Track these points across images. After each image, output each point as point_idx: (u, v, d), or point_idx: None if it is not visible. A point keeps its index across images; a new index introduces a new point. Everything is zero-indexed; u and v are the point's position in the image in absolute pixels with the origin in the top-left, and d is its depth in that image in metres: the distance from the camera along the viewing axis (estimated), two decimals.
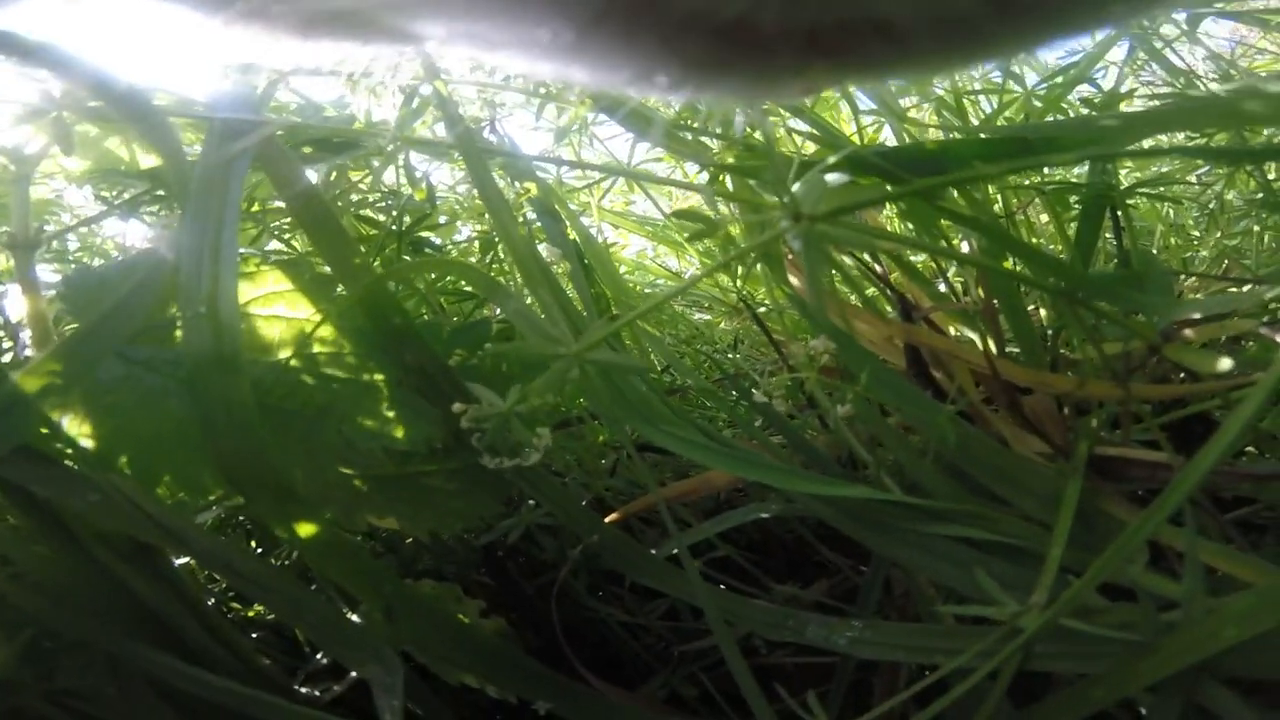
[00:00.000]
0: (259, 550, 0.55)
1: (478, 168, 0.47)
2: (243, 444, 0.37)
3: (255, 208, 0.50)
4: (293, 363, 0.43)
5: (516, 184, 0.53)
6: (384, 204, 0.51)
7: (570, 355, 0.33)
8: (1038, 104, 0.55)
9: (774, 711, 0.44)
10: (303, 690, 0.55)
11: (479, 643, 0.47)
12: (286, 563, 0.57)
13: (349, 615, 0.48)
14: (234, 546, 0.46)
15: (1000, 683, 0.37)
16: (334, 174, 0.50)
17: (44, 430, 0.38)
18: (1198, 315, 0.44)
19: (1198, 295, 0.61)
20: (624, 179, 0.64)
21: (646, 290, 0.74)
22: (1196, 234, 0.71)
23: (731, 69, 0.13)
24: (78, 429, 0.39)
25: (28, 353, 0.51)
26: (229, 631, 0.47)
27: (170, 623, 0.43)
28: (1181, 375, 0.48)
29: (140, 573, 0.43)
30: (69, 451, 0.39)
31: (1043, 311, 0.57)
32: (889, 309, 0.52)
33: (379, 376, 0.44)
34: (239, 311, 0.40)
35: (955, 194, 0.51)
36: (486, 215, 0.53)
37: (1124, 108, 0.56)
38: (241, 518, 0.57)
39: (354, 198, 0.51)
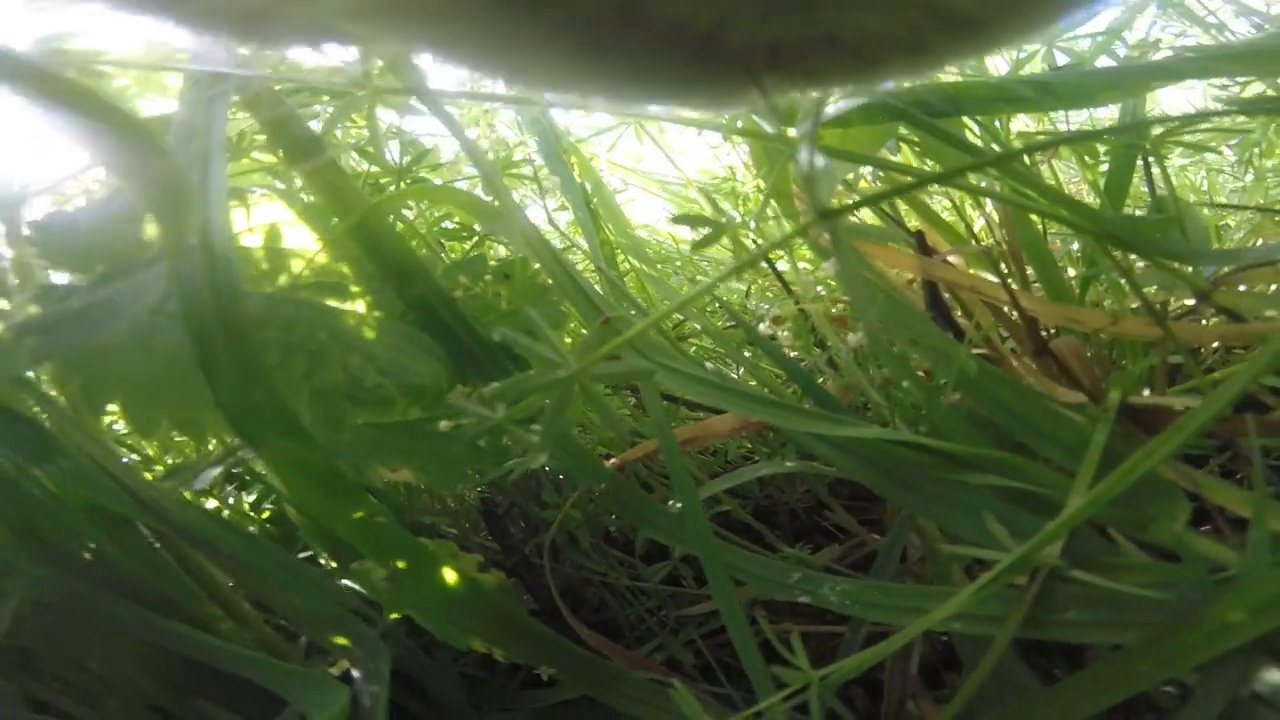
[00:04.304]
0: (252, 499, 0.53)
1: (444, 116, 0.45)
2: (245, 381, 0.35)
3: (247, 149, 0.49)
4: (291, 293, 0.42)
5: (520, 127, 0.51)
6: (368, 145, 0.50)
7: (570, 376, 0.31)
8: (1061, 55, 0.53)
9: (773, 679, 0.41)
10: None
11: (482, 603, 0.45)
12: (270, 526, 0.56)
13: (341, 584, 0.46)
14: (215, 521, 0.45)
15: (1001, 637, 0.34)
16: (330, 117, 0.49)
17: (16, 389, 0.37)
18: (1246, 262, 0.41)
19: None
20: (633, 131, 0.62)
21: (652, 243, 0.72)
22: (1227, 200, 0.67)
23: (699, 82, 0.14)
24: (61, 379, 0.38)
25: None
26: (227, 595, 0.45)
27: (154, 585, 0.42)
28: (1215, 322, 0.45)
29: (122, 535, 0.42)
30: (43, 412, 0.37)
31: (1070, 270, 0.54)
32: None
33: (381, 312, 0.42)
34: (232, 240, 0.39)
35: (978, 142, 0.49)
36: (491, 155, 0.52)
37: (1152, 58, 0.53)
38: (235, 473, 0.55)
39: (350, 140, 0.50)
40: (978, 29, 0.13)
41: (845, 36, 0.13)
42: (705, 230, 0.31)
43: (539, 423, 0.31)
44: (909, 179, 0.46)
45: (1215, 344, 0.49)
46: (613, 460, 0.49)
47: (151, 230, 0.38)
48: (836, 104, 0.35)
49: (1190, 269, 0.39)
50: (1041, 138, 0.51)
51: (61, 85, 0.36)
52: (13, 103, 0.44)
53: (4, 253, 0.41)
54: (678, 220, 0.30)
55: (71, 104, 0.36)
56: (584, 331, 0.62)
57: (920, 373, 0.42)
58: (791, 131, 0.38)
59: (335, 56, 0.46)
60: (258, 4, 0.14)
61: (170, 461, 0.50)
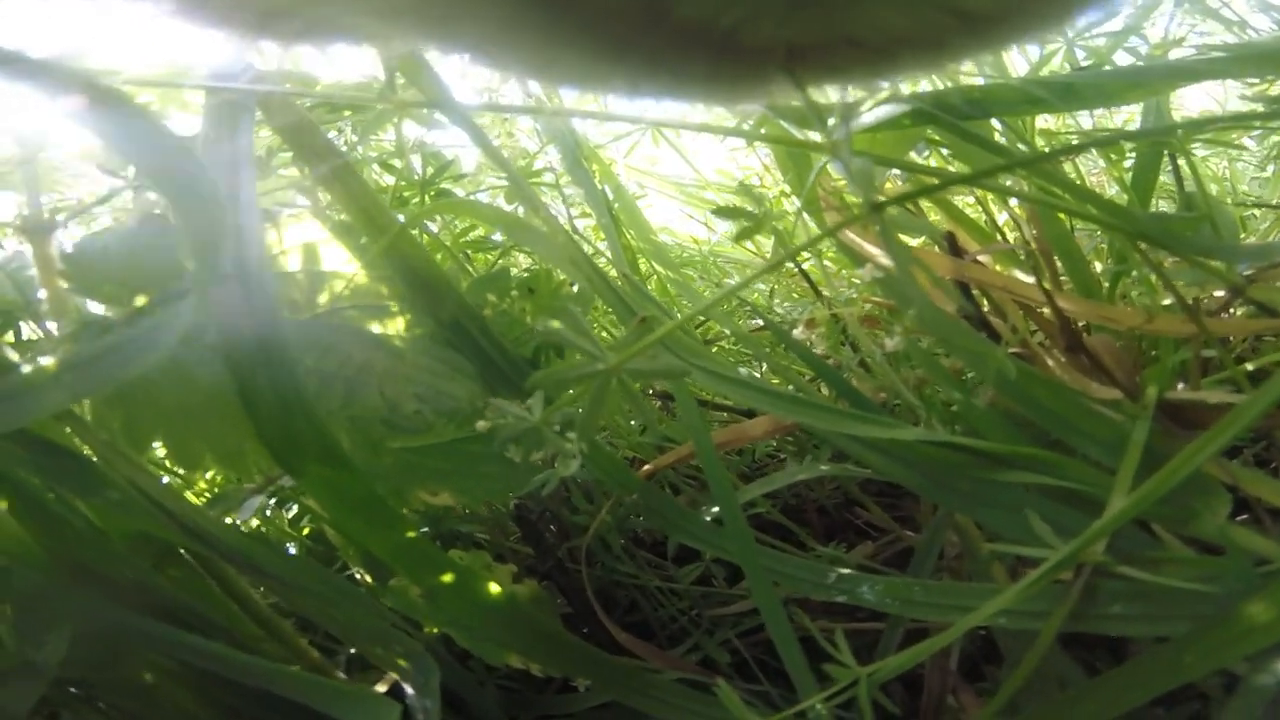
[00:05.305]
0: (290, 516, 0.54)
1: (469, 127, 0.45)
2: (285, 411, 0.35)
3: (273, 164, 0.49)
4: (332, 316, 0.41)
5: (540, 136, 0.51)
6: (397, 160, 0.50)
7: (608, 369, 0.31)
8: (1081, 54, 0.52)
9: (814, 676, 0.42)
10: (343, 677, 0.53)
11: (517, 617, 0.45)
12: (310, 543, 0.56)
13: (382, 603, 0.46)
14: (261, 544, 0.45)
15: (1047, 632, 0.34)
16: (353, 131, 0.49)
17: (61, 422, 0.36)
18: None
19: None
20: (650, 136, 0.62)
21: (673, 247, 0.72)
22: (1249, 188, 0.67)
23: (715, 78, 0.13)
24: (102, 415, 0.38)
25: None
26: (269, 617, 0.46)
27: (200, 610, 0.42)
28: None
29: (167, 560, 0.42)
30: (86, 445, 0.37)
31: (1098, 265, 0.55)
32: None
33: (417, 331, 0.42)
34: (270, 266, 0.38)
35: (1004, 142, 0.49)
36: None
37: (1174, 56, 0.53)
38: (274, 500, 0.55)
39: (373, 154, 0.50)
40: (996, 26, 0.13)
41: (866, 36, 0.13)
42: (741, 223, 0.31)
43: (573, 428, 0.31)
44: (938, 180, 0.46)
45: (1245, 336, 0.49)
46: (645, 468, 0.49)
47: (184, 256, 0.38)
48: (869, 110, 0.35)
49: (1223, 264, 0.39)
50: (1067, 138, 0.51)
51: (98, 93, 0.35)
52: (42, 123, 0.44)
53: (37, 282, 0.41)
54: (719, 213, 0.30)
55: (105, 112, 0.36)
56: (605, 335, 0.62)
57: (954, 372, 0.42)
58: (816, 136, 0.38)
59: (357, 70, 0.46)
60: (280, 2, 0.14)
61: (210, 478, 0.50)
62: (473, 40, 0.13)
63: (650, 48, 0.13)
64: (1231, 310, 0.46)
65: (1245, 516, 0.42)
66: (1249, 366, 0.43)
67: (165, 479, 0.49)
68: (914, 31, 0.12)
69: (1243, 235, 0.61)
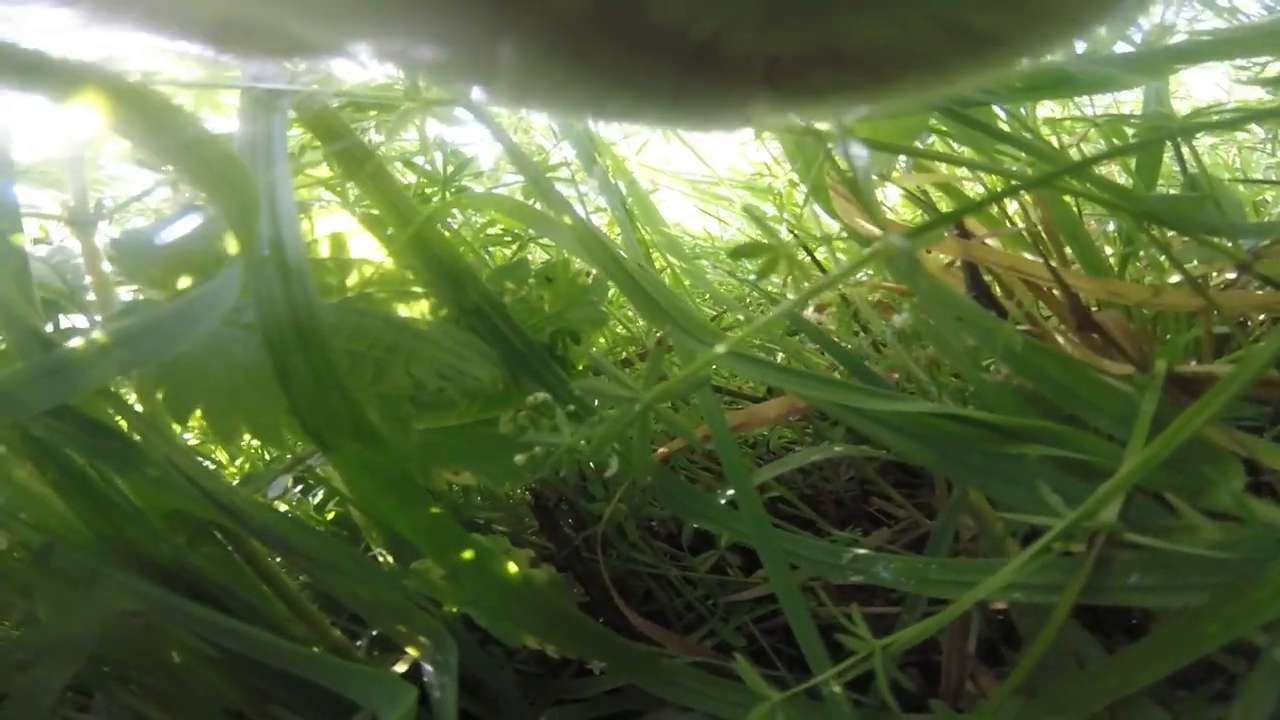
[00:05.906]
0: (316, 502, 0.55)
1: (490, 125, 0.47)
2: (320, 388, 0.37)
3: (304, 162, 0.51)
4: (361, 300, 0.43)
5: (555, 134, 0.53)
6: (422, 158, 0.52)
7: (645, 405, 0.32)
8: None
9: (830, 661, 0.42)
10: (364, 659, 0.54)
11: (535, 599, 0.46)
12: (335, 527, 0.57)
13: (404, 585, 0.47)
14: (291, 522, 0.46)
15: (1063, 604, 0.34)
16: (377, 130, 0.51)
17: (102, 401, 0.38)
18: None
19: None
20: (662, 133, 0.64)
21: (686, 241, 0.74)
22: (1263, 176, 0.68)
23: (686, 95, 0.12)
24: (146, 389, 0.40)
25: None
26: (296, 597, 0.47)
27: (231, 590, 0.43)
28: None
29: (202, 540, 0.43)
30: (127, 423, 0.39)
31: (1107, 249, 0.55)
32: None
33: (442, 313, 0.44)
34: (305, 253, 0.40)
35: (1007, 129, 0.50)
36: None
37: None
38: (301, 477, 0.57)
39: (394, 154, 0.52)
40: (996, 46, 0.12)
41: (853, 52, 0.12)
42: (754, 240, 0.32)
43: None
44: (941, 165, 0.47)
45: (1262, 316, 0.49)
46: (660, 451, 0.50)
47: (225, 244, 0.40)
48: None
49: (1229, 243, 0.40)
50: (1070, 125, 0.52)
51: (136, 97, 0.37)
52: (83, 121, 0.46)
53: (82, 269, 0.43)
54: (736, 254, 0.31)
55: (146, 116, 0.38)
56: (622, 329, 0.63)
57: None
58: (823, 126, 0.39)
59: (381, 71, 0.48)
60: (222, 16, 0.14)
61: (237, 466, 0.51)
62: (400, 47, 0.12)
63: (613, 60, 0.11)
64: (1243, 278, 0.46)
65: (1267, 499, 0.42)
66: (1262, 345, 0.43)
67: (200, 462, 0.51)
68: (906, 49, 0.11)
69: (1254, 219, 0.61)
